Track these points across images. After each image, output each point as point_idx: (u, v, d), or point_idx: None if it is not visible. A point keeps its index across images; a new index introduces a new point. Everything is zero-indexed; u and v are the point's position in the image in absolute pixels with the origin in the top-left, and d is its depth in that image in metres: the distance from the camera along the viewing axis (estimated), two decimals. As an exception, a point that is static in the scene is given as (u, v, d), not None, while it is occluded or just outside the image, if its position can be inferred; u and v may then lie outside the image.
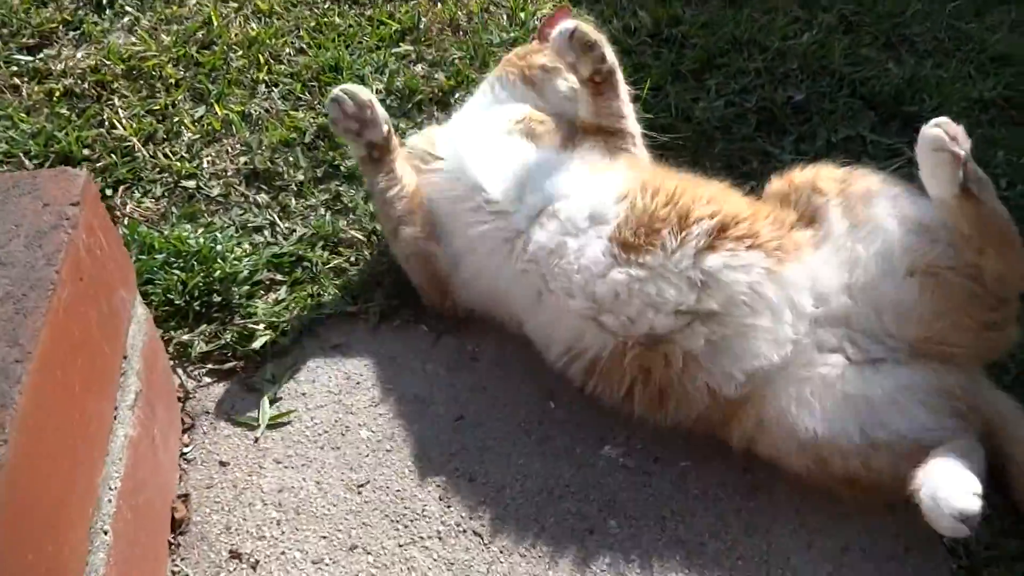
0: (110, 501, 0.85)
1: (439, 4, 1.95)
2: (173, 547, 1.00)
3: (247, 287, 1.29)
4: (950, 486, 0.92)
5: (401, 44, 1.83)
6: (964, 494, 0.91)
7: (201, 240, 1.31)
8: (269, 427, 1.15)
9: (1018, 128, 1.80)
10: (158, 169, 1.51)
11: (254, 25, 1.85)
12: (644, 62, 1.78)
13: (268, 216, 1.44)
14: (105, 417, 0.86)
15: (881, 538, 1.07)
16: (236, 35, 1.81)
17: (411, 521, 1.06)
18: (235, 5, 1.91)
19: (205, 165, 1.53)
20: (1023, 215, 1.52)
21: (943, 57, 1.97)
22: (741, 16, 1.95)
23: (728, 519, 1.08)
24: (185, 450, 1.10)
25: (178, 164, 1.52)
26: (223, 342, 1.23)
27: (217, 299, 1.27)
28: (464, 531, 1.04)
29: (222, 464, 1.10)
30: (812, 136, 1.71)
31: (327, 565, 1.00)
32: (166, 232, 1.35)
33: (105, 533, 0.82)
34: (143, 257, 1.28)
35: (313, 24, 1.86)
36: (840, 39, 1.94)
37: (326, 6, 1.93)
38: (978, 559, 1.06)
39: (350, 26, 1.87)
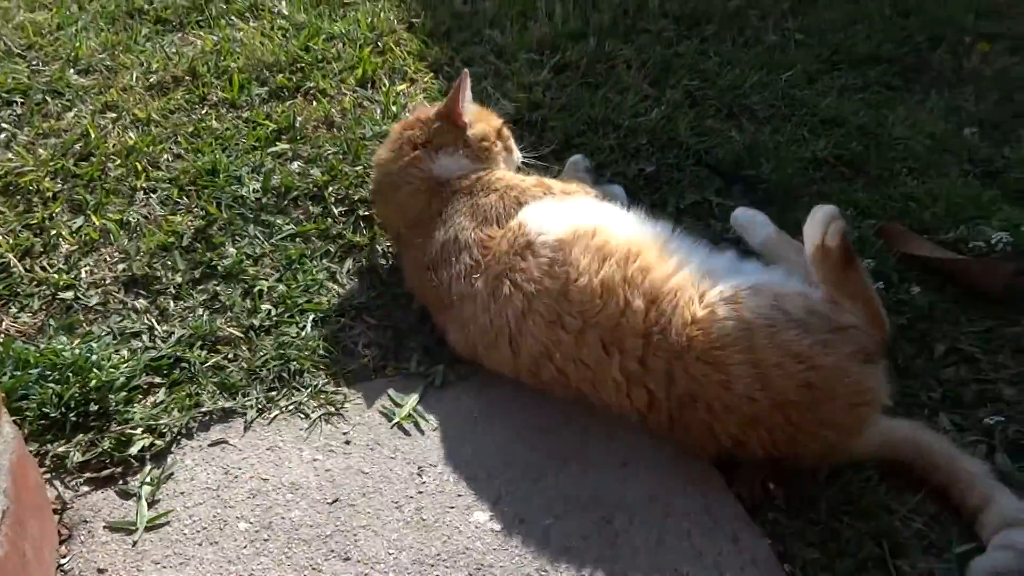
0: (-24, 621, 0.88)
1: (314, 103, 2.07)
2: (48, 659, 1.02)
3: (124, 393, 1.33)
4: None
5: (278, 143, 1.93)
6: None
7: (76, 351, 1.35)
8: (147, 529, 1.18)
9: (848, 183, 2.01)
10: (35, 283, 1.55)
11: (132, 134, 1.92)
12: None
13: (146, 321, 1.49)
14: (-33, 538, 0.90)
15: (728, 570, 1.17)
16: (114, 145, 1.88)
17: (286, 607, 1.11)
18: (113, 116, 1.98)
19: (83, 275, 1.58)
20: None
21: (780, 122, 2.19)
22: (596, 98, 2.13)
23: (586, 563, 1.16)
24: (62, 562, 1.13)
25: (55, 276, 1.56)
26: (100, 450, 1.26)
27: (94, 408, 1.31)
28: (333, 613, 1.10)
29: (100, 572, 1.12)
30: (663, 203, 1.87)
31: (205, 660, 1.04)
32: (41, 346, 1.38)
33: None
34: (18, 373, 1.31)
35: (191, 130, 1.95)
36: (686, 113, 2.14)
37: (203, 111, 2.02)
38: None
39: (227, 129, 1.96)
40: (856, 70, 2.50)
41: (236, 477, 1.25)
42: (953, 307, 1.69)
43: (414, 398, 1.40)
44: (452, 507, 1.23)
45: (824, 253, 1.29)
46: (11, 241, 1.62)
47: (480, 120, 1.63)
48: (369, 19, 2.44)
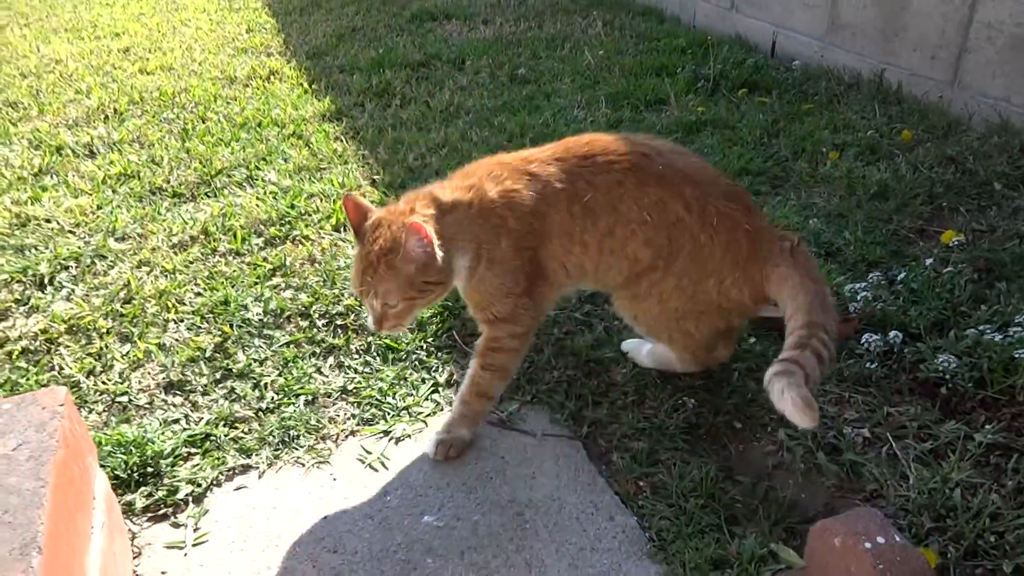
0: (91, 588, 1.36)
1: (300, 246, 2.68)
2: (133, 625, 1.50)
3: (171, 459, 1.85)
4: None
5: (273, 278, 2.52)
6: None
7: (135, 433, 1.87)
8: (193, 546, 1.67)
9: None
10: (98, 393, 2.09)
11: (162, 281, 2.51)
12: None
13: (183, 411, 2.02)
14: (86, 533, 1.40)
15: (604, 539, 1.66)
16: (149, 290, 2.47)
17: (295, 586, 1.59)
18: (146, 269, 2.58)
19: (134, 384, 2.11)
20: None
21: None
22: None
23: (503, 543, 1.65)
24: (136, 567, 1.61)
25: (113, 387, 2.10)
26: (157, 497, 1.77)
27: (150, 470, 1.82)
28: (327, 586, 1.58)
29: (162, 573, 1.61)
30: (569, 296, 2.45)
31: (239, 620, 1.52)
32: (109, 432, 1.91)
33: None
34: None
35: (206, 274, 2.54)
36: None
37: (215, 259, 2.63)
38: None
39: (234, 271, 2.56)
40: (730, 182, 3.15)
41: (254, 508, 1.75)
42: (791, 352, 2.23)
43: (381, 447, 1.91)
44: (409, 514, 1.73)
45: None
46: (78, 365, 2.17)
47: None
48: (340, 179, 3.11)
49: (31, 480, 1.28)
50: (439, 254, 1.65)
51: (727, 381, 2.10)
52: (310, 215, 2.86)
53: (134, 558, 1.64)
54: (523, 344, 1.86)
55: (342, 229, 2.79)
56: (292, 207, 2.89)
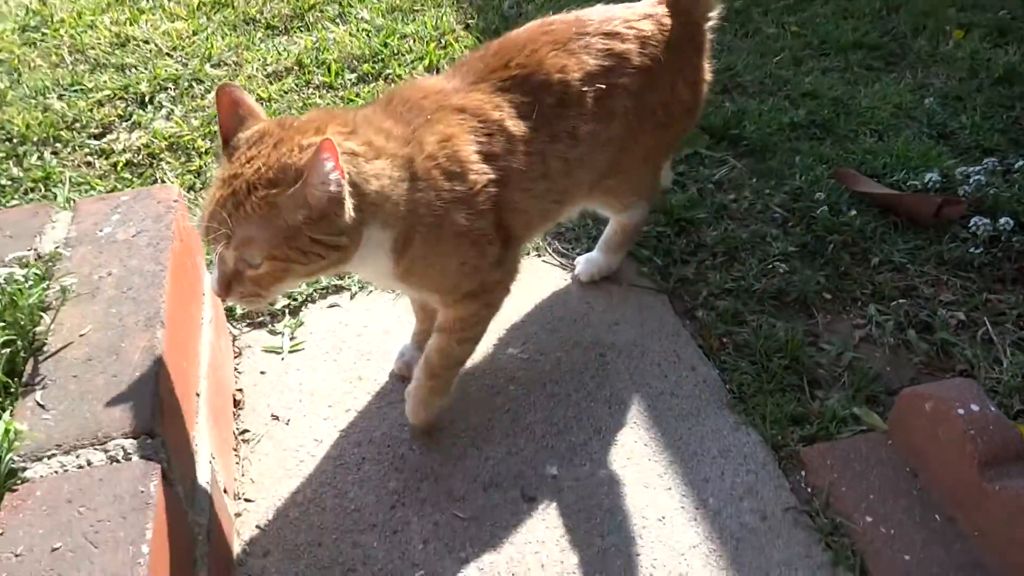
0: (203, 374, 1.44)
1: (392, 84, 2.65)
2: (235, 414, 1.60)
3: (268, 273, 1.91)
4: None
5: (366, 114, 2.51)
6: None
7: (235, 245, 1.94)
8: (290, 352, 1.75)
9: (818, 141, 2.48)
10: (198, 207, 2.15)
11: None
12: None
13: (278, 231, 2.07)
14: (198, 321, 1.47)
15: (684, 386, 1.68)
16: (245, 116, 2.49)
17: (370, 397, 1.66)
18: (242, 96, 2.59)
19: (231, 203, 2.17)
20: (805, 204, 2.17)
21: (765, 96, 2.67)
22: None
23: (585, 380, 1.69)
24: (237, 365, 1.71)
25: (212, 204, 2.16)
26: (256, 306, 1.85)
27: (248, 281, 1.89)
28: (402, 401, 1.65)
29: (261, 372, 1.70)
30: (663, 155, 2.38)
31: (330, 420, 1.61)
32: (210, 243, 1.98)
33: (199, 395, 1.41)
34: (197, 258, 1.90)
35: (301, 104, 2.55)
36: (688, 88, 2.65)
37: (309, 92, 2.62)
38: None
39: (328, 104, 2.55)
40: (840, 55, 2.95)
41: (346, 325, 1.82)
42: (890, 231, 2.14)
43: (468, 282, 1.95)
44: (494, 344, 1.77)
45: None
46: (179, 180, 2.23)
47: None
48: (434, 21, 3.02)
49: (151, 263, 1.34)
50: (349, 205, 1.15)
51: (821, 252, 2.04)
52: (403, 55, 2.80)
53: (235, 357, 1.74)
54: (502, 301, 1.55)
55: (434, 71, 2.74)
56: (385, 45, 2.84)
